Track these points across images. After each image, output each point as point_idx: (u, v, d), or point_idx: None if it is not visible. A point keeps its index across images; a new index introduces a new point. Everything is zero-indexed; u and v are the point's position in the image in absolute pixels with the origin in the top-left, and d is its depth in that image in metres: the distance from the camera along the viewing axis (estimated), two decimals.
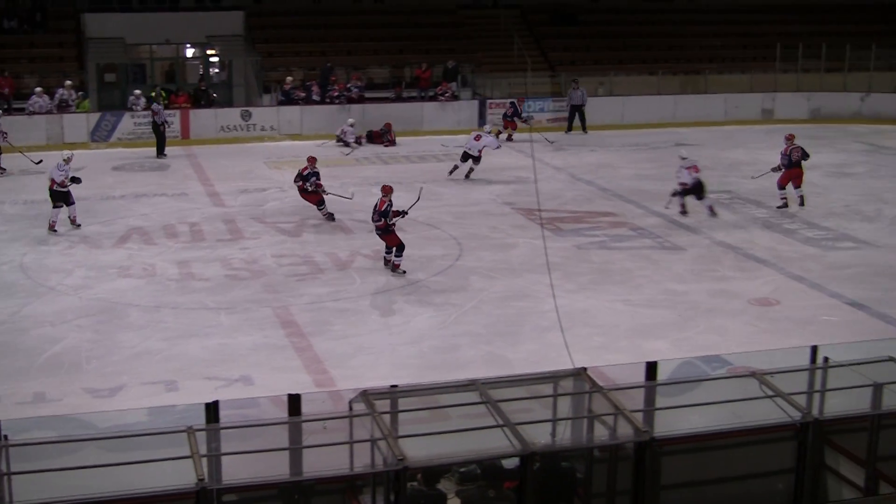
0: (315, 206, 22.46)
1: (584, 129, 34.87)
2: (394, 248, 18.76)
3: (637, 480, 9.05)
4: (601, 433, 9.59)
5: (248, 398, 12.71)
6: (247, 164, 28.86)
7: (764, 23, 41.44)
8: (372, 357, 14.91)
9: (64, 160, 21.84)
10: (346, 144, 31.42)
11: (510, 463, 9.17)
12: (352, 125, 31.81)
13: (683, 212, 22.91)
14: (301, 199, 22.61)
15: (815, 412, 9.75)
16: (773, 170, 24.21)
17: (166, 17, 37.09)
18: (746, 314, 16.83)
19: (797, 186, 23.79)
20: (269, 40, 37.42)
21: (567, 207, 23.78)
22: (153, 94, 32.81)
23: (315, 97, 33.78)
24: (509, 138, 31.98)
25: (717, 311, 16.98)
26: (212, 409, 9.16)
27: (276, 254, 20.00)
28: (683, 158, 23.12)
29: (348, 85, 34.49)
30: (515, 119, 32.69)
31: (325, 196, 22.46)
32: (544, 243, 17.83)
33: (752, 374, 10.05)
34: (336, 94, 34.02)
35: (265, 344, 15.41)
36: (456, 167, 26.72)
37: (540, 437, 9.31)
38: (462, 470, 9.57)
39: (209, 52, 37.72)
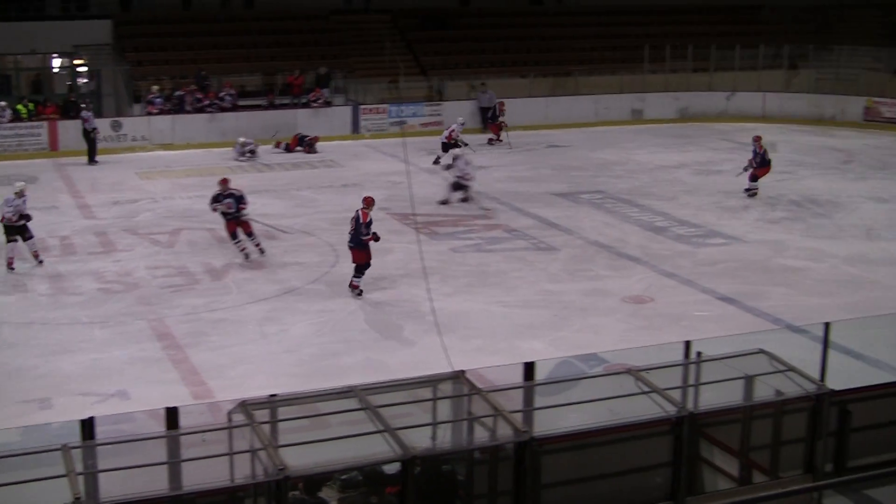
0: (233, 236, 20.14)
1: (484, 129, 35.16)
2: (358, 266, 18.03)
3: (518, 480, 9.11)
4: (481, 435, 9.63)
5: (124, 413, 12.52)
6: (118, 176, 28.42)
7: (631, 25, 42.16)
8: (250, 367, 14.81)
9: (15, 193, 19.56)
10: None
11: (391, 468, 9.17)
12: None
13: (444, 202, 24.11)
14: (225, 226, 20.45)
15: (689, 406, 9.91)
16: (745, 168, 25.30)
17: (31, 25, 36.28)
18: (620, 312, 17.10)
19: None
20: (138, 49, 36.87)
21: (441, 211, 23.88)
22: (81, 102, 32.84)
23: (188, 107, 33.37)
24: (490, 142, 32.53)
25: (592, 309, 17.22)
26: (87, 426, 9.00)
27: (150, 265, 19.74)
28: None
29: (220, 94, 34.17)
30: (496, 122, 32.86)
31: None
32: (420, 248, 17.91)
33: (628, 371, 10.19)
34: (207, 102, 33.67)
35: (141, 357, 15.20)
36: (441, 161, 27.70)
37: (420, 441, 9.32)
38: (343, 477, 9.54)
39: (77, 61, 37.05)
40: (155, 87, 33.55)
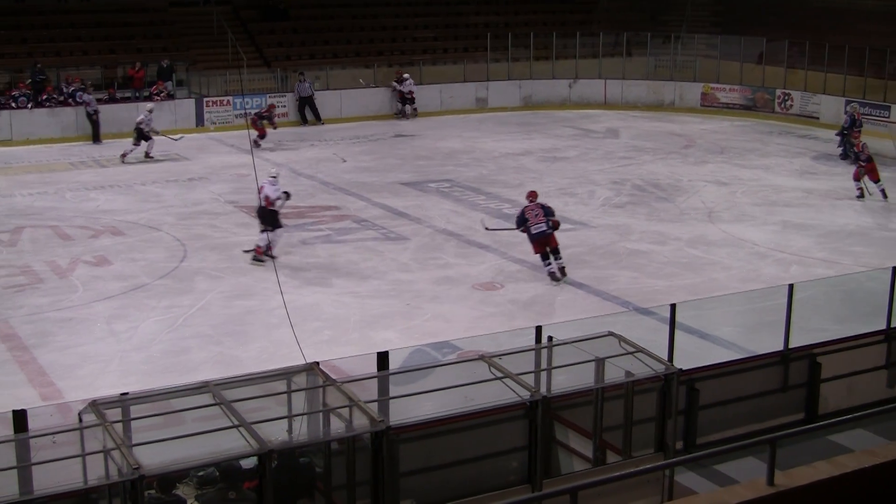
0: None
1: (318, 119, 35.24)
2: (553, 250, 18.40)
3: (376, 470, 9.14)
4: (337, 426, 9.64)
5: None
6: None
7: (473, 14, 42.41)
8: (100, 366, 14.56)
9: (272, 176, 19.86)
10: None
11: (249, 463, 9.12)
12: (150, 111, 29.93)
13: None
14: None
15: (542, 390, 10.07)
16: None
17: None
18: (471, 299, 17.26)
19: (875, 180, 24.33)
20: None
21: (290, 203, 23.70)
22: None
23: (27, 105, 32.51)
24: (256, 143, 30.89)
25: (443, 297, 17.35)
26: None
27: None
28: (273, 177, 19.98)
29: (70, 88, 33.34)
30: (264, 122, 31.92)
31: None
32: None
33: (481, 358, 10.31)
34: (45, 97, 32.86)
35: None
36: None
37: (276, 434, 9.29)
38: (200, 474, 9.46)
39: None
40: None
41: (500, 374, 9.98)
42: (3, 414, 9.95)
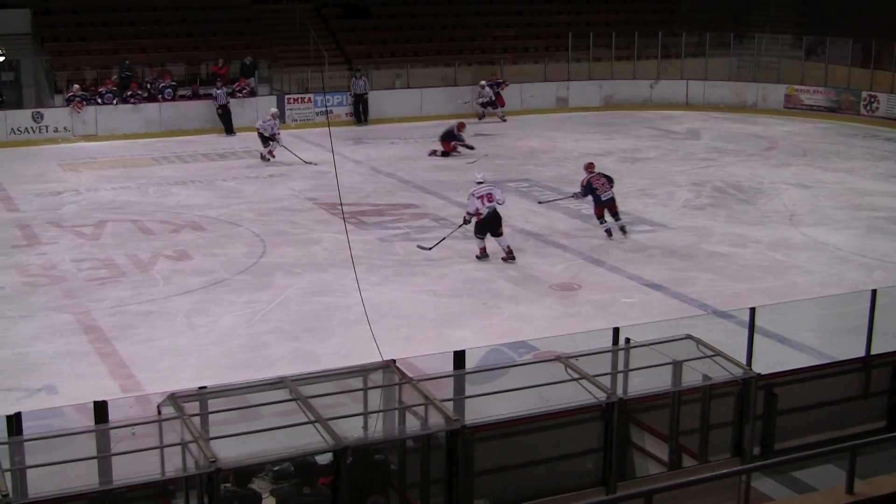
0: None
1: (365, 119, 35.13)
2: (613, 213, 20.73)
3: (450, 469, 9.14)
4: (412, 424, 9.66)
5: (51, 408, 12.38)
6: (40, 167, 28.02)
7: (555, 13, 42.28)
8: (179, 359, 14.71)
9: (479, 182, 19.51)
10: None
11: (323, 458, 9.17)
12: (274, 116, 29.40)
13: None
14: None
15: (619, 392, 10.02)
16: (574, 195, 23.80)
17: None
18: (549, 299, 17.20)
19: (614, 213, 23.45)
20: (58, 39, 36.32)
21: (369, 200, 23.87)
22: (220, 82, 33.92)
23: (111, 101, 33.01)
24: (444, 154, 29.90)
25: (520, 297, 17.30)
26: (13, 422, 8.90)
27: (75, 258, 19.50)
28: (479, 183, 19.34)
29: (160, 84, 33.83)
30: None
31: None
32: (347, 237, 17.86)
33: (557, 358, 10.26)
34: (130, 93, 33.32)
35: (67, 351, 15.02)
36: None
37: (352, 431, 9.33)
38: (275, 468, 9.54)
39: None
40: (76, 86, 33.02)
41: (576, 375, 9.94)
42: (84, 405, 10.09)
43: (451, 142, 29.38)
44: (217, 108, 33.12)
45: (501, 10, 42.37)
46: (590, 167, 21.11)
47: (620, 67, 39.37)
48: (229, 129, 32.94)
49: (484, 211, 18.93)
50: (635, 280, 18.18)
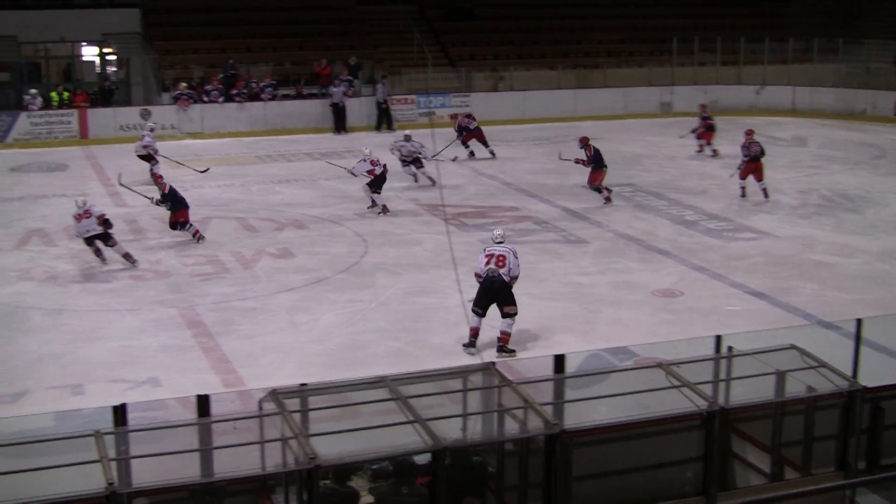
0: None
1: (386, 126, 34.57)
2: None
3: (548, 473, 9.10)
4: (511, 427, 9.63)
5: (155, 400, 12.57)
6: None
7: (660, 17, 41.99)
8: (280, 356, 14.82)
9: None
10: None
11: (422, 458, 9.18)
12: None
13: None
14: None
15: (720, 401, 9.89)
16: (738, 167, 24.61)
17: (60, 14, 36.42)
18: (650, 305, 17.04)
19: (759, 179, 24.25)
20: (166, 38, 36.99)
21: (470, 202, 23.88)
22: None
23: (217, 99, 33.50)
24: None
25: (622, 302, 17.16)
26: (119, 413, 9.04)
27: (181, 254, 19.81)
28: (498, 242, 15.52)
29: (261, 84, 34.26)
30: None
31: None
32: (448, 238, 17.92)
33: (658, 365, 10.16)
34: (235, 92, 33.77)
35: (172, 345, 15.24)
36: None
37: (451, 432, 9.32)
38: (374, 467, 9.56)
39: (106, 50, 37.24)
40: (183, 84, 33.61)
41: (677, 383, 9.84)
42: (187, 398, 10.23)
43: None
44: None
45: (607, 14, 42.23)
46: (584, 140, 23.93)
47: (726, 73, 38.96)
48: (340, 128, 33.05)
49: (483, 273, 14.78)
50: (738, 288, 17.93)
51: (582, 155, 23.90)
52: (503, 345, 14.61)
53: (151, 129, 27.20)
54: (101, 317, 16.47)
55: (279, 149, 30.87)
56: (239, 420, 9.68)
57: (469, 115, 30.26)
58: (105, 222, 18.73)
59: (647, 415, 9.85)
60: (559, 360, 10.37)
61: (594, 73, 38.47)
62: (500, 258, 14.78)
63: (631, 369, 12.67)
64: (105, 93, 34.09)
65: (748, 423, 10.52)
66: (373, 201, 22.83)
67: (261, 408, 9.49)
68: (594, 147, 23.77)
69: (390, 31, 39.12)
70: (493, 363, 10.15)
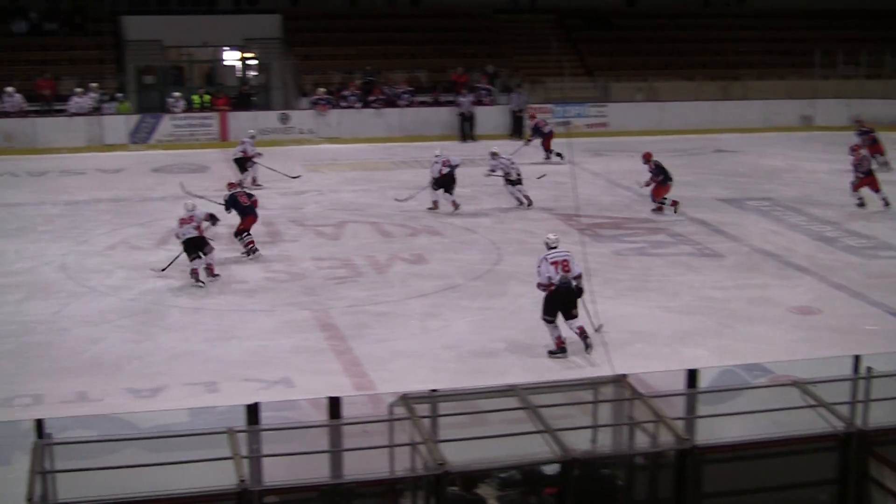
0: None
1: (519, 135, 34.02)
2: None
3: (678, 489, 9.00)
4: (642, 441, 9.54)
5: (288, 400, 12.72)
6: (285, 168, 28.89)
7: (802, 29, 41.28)
8: (411, 361, 14.88)
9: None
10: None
11: (550, 469, 9.14)
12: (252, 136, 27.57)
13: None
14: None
15: (858, 423, 9.66)
16: (851, 182, 24.50)
17: (204, 19, 37.30)
18: (787, 322, 16.70)
19: (876, 190, 24.03)
20: (305, 43, 37.54)
21: (605, 213, 23.73)
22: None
23: (354, 105, 33.90)
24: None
25: (757, 318, 16.85)
26: (252, 411, 9.18)
27: (316, 257, 20.06)
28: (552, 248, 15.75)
29: (397, 90, 34.59)
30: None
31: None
32: (583, 249, 17.76)
33: (794, 384, 9.97)
34: (373, 98, 34.12)
35: (305, 346, 15.42)
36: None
37: (580, 443, 9.27)
38: (502, 475, 9.55)
39: (247, 54, 37.96)
40: (321, 90, 34.06)
41: (813, 402, 9.64)
42: (319, 399, 10.33)
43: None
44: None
45: (747, 25, 41.66)
46: (647, 155, 24.20)
47: (870, 86, 38.06)
48: (467, 136, 33.15)
49: (556, 281, 14.93)
50: (879, 307, 17.47)
51: (646, 173, 24.25)
52: (586, 335, 14.98)
53: (252, 136, 27.52)
54: (237, 316, 16.76)
55: (415, 155, 31.04)
56: (369, 423, 9.75)
57: (544, 120, 30.98)
58: (211, 217, 18.99)
59: (780, 434, 9.67)
60: (692, 375, 10.23)
61: (734, 84, 37.94)
62: (565, 263, 15.02)
63: (765, 387, 12.45)
64: (243, 97, 34.72)
65: (888, 447, 10.24)
66: (434, 203, 23.74)
67: (391, 412, 9.54)
68: (655, 161, 23.92)
69: (528, 39, 39.14)
70: (625, 375, 10.05)
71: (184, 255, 18.30)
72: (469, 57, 37.36)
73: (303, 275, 18.94)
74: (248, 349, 15.30)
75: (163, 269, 18.83)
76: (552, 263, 14.99)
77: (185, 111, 32.95)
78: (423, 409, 9.46)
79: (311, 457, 9.10)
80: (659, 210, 23.63)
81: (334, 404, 9.47)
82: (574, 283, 14.88)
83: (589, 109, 35.59)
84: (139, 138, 32.30)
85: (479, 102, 34.71)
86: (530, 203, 24.28)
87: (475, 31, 39.43)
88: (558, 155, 29.83)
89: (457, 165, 24.02)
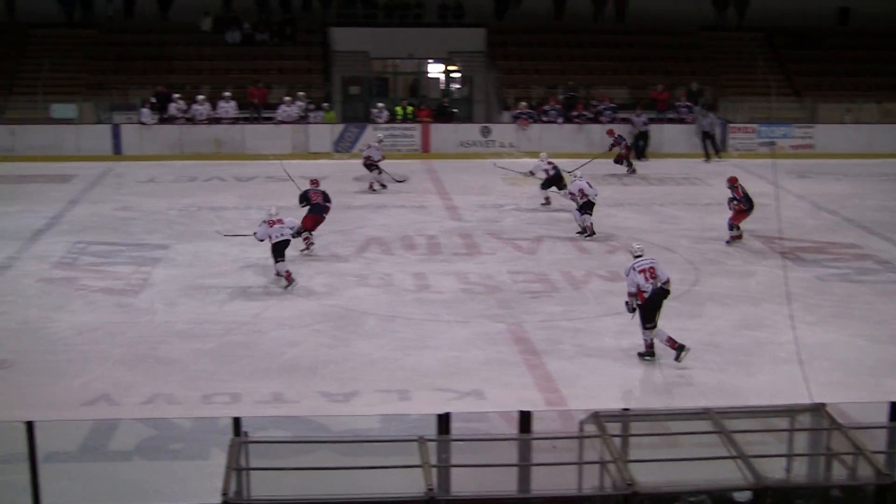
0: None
1: (707, 154, 33.53)
2: None
3: None
4: (839, 473, 9.28)
5: (478, 412, 12.79)
6: (485, 180, 29.13)
7: None
8: (603, 379, 14.79)
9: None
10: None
11: (742, 496, 8.96)
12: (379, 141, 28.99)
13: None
14: None
15: None
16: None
17: (410, 32, 37.79)
18: None
19: None
20: (509, 57, 37.71)
21: (809, 237, 23.12)
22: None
23: (556, 120, 33.90)
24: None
25: None
26: (443, 421, 9.27)
27: (512, 270, 20.12)
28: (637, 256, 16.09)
29: (598, 107, 34.50)
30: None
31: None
32: (785, 272, 17.40)
33: None
34: (576, 114, 34.07)
35: (497, 359, 15.48)
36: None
37: (774, 471, 9.07)
38: (692, 499, 9.40)
39: (450, 67, 38.37)
40: (522, 104, 34.18)
41: None
42: (509, 413, 10.36)
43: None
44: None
45: None
46: (733, 180, 22.60)
47: None
48: (640, 155, 32.94)
49: (647, 289, 15.35)
50: None
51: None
52: (673, 347, 15.32)
53: (379, 141, 28.65)
54: (431, 326, 16.93)
55: (614, 171, 30.82)
56: (559, 439, 9.73)
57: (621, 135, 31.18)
58: (296, 228, 19.46)
59: None
60: (895, 407, 9.89)
61: None
62: (651, 271, 15.44)
63: None
64: (441, 108, 35.07)
65: None
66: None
67: (581, 429, 9.51)
68: (742, 187, 22.46)
69: (734, 58, 38.46)
70: (824, 404, 9.78)
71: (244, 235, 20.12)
72: (673, 74, 36.96)
73: (498, 288, 19.02)
74: (441, 359, 15.44)
75: (225, 235, 21.24)
76: (640, 272, 15.42)
77: (388, 122, 33.49)
78: (613, 427, 9.40)
79: (498, 469, 9.13)
80: (738, 238, 22.42)
81: (525, 418, 9.49)
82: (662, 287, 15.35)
83: (795, 130, 34.75)
84: (343, 147, 32.99)
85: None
86: (590, 234, 23.08)
87: (680, 48, 38.97)
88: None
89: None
